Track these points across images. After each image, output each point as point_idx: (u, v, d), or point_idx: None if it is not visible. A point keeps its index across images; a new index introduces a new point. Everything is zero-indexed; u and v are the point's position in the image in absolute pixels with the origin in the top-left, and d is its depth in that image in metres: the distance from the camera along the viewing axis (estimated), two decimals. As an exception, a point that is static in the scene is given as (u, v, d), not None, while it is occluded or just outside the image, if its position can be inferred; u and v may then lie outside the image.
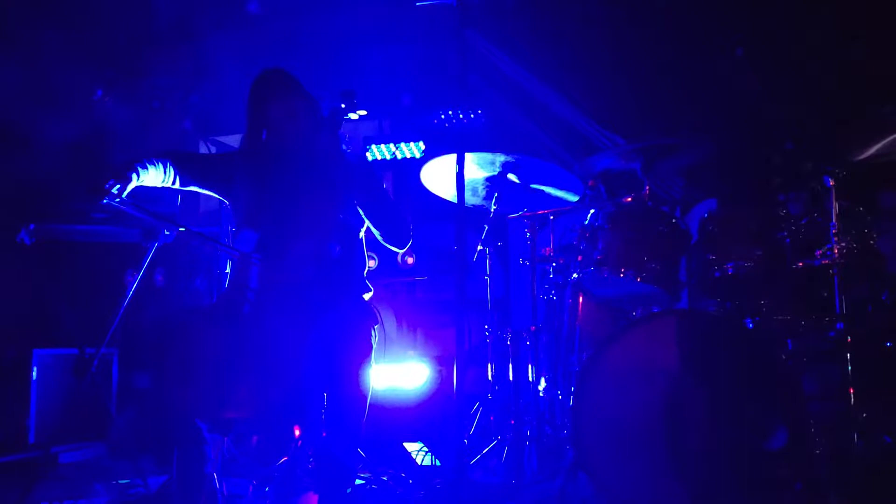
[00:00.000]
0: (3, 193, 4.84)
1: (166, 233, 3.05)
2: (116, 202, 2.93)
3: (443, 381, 4.83)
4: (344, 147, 3.22)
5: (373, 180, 3.23)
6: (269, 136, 3.15)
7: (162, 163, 3.15)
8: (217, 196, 3.33)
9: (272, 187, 3.14)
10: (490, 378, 4.46)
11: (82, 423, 4.62)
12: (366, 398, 2.96)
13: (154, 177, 3.11)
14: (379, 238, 3.24)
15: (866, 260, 3.39)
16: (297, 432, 3.62)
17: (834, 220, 3.30)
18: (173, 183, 3.20)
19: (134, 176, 3.01)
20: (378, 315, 3.15)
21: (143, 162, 3.07)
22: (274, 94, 3.14)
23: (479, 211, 4.28)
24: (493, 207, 4.13)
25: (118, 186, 2.94)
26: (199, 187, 3.28)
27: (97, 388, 4.28)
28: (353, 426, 2.94)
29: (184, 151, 3.41)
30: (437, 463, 4.25)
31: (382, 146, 5.89)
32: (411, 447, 4.40)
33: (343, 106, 3.12)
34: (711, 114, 5.11)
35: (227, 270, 3.58)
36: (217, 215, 5.11)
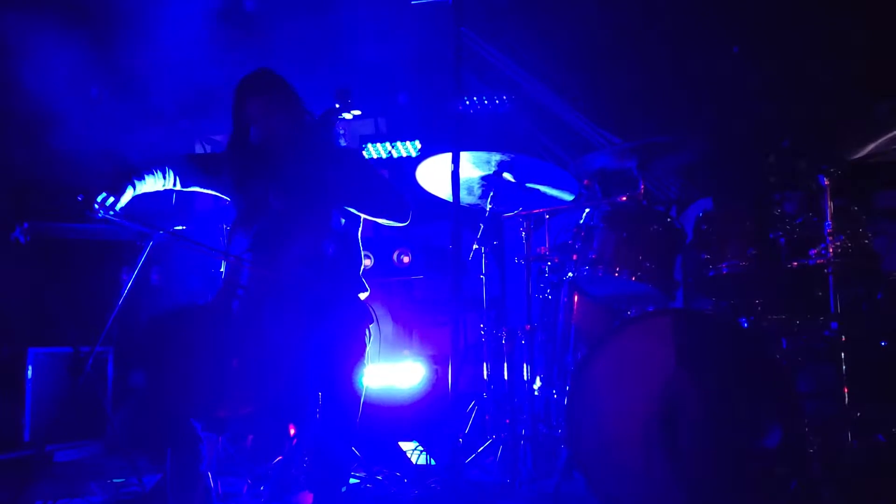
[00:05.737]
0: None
1: (160, 231, 3.05)
2: (111, 215, 2.89)
3: (438, 380, 4.84)
4: (341, 143, 3.22)
5: (362, 162, 3.24)
6: (251, 136, 3.15)
7: (160, 169, 3.15)
8: (219, 195, 3.33)
9: (262, 187, 3.15)
10: (485, 377, 4.45)
11: (77, 421, 4.61)
12: (360, 397, 2.96)
13: (152, 185, 3.12)
14: (379, 220, 3.22)
15: (861, 259, 3.39)
16: (292, 431, 3.62)
17: (829, 220, 3.30)
18: (174, 185, 3.21)
19: (130, 188, 3.01)
20: (373, 314, 3.15)
21: (140, 173, 3.07)
22: (253, 95, 3.15)
23: (474, 210, 4.29)
24: (489, 206, 4.13)
25: (111, 200, 2.92)
26: (202, 187, 3.30)
27: (92, 386, 4.27)
28: (347, 425, 2.95)
29: (183, 154, 3.43)
30: (433, 462, 4.25)
31: (378, 145, 5.89)
32: (406, 446, 4.40)
33: (337, 105, 3.13)
34: (707, 113, 5.11)
35: (221, 269, 3.58)
36: (212, 214, 5.09)
